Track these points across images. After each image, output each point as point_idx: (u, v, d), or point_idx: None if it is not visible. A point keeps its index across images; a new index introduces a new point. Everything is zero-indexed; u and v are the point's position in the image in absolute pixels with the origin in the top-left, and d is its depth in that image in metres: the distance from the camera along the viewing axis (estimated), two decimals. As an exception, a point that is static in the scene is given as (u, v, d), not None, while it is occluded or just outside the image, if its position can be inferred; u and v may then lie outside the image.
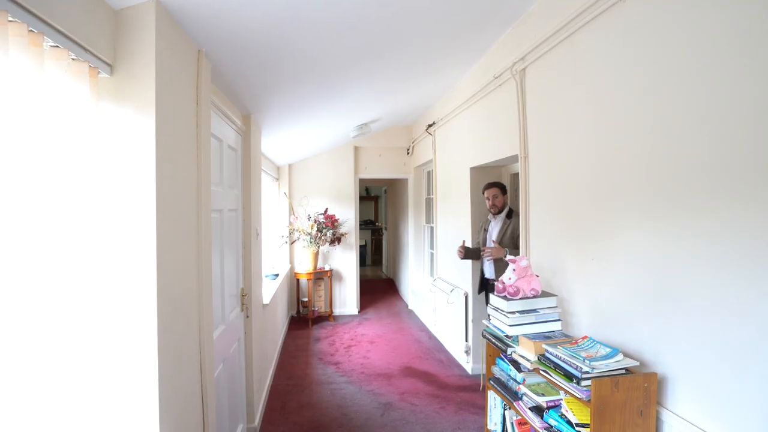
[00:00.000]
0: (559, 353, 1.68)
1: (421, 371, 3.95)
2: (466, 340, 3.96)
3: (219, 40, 1.75)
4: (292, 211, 5.89)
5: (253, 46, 1.94)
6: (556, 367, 1.67)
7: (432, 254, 5.53)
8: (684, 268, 1.47)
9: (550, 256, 2.45)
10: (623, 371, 1.54)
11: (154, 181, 1.22)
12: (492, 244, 3.25)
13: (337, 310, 6.08)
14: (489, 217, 3.45)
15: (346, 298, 6.13)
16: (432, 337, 4.95)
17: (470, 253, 3.50)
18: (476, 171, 3.80)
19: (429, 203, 5.97)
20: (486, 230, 3.44)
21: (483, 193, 3.42)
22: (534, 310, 2.06)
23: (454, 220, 4.29)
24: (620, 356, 1.57)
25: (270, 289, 3.88)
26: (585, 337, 1.78)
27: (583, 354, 1.61)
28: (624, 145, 1.78)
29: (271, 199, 5.70)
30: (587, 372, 1.52)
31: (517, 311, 2.04)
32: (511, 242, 3.20)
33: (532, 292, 2.09)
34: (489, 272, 3.38)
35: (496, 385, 2.20)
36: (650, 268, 1.64)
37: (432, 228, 5.51)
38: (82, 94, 1.10)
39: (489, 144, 3.37)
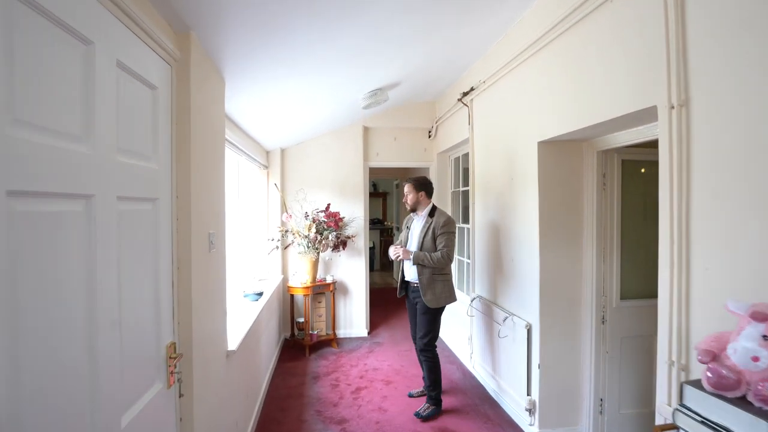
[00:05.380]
0: None
1: (463, 436, 2.74)
2: (529, 394, 2.74)
3: None
4: (285, 207, 4.68)
5: None
6: None
7: (465, 264, 4.31)
8: None
9: (761, 283, 1.23)
10: None
11: None
12: (416, 242, 3.10)
13: (342, 332, 4.87)
14: (412, 214, 3.29)
15: (353, 316, 4.91)
16: (468, 375, 3.73)
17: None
18: (549, 147, 2.58)
19: (456, 197, 4.75)
20: (408, 228, 3.27)
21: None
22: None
23: (507, 218, 3.07)
24: None
25: (245, 321, 2.67)
26: None
27: None
28: None
29: (258, 193, 4.50)
30: None
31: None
32: (432, 243, 3.03)
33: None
34: (410, 274, 3.12)
35: None
36: None
37: (465, 230, 4.29)
38: None
39: (579, 100, 2.16)
